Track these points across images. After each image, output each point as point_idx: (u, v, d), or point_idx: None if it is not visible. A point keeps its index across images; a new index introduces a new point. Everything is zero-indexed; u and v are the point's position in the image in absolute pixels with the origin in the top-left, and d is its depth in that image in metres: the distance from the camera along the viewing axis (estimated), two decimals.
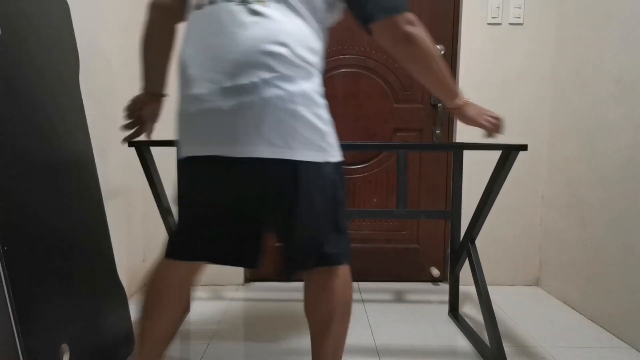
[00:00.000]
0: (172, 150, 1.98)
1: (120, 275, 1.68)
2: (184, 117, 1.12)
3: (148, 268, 2.40)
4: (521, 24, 2.33)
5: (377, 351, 1.72)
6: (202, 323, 1.96)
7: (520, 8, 2.31)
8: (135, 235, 2.31)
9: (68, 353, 1.26)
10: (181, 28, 1.24)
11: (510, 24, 2.33)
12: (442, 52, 2.37)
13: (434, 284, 2.50)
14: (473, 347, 1.76)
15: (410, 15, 1.13)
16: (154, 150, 2.22)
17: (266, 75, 1.01)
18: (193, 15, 1.13)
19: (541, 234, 2.37)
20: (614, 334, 1.88)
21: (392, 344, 1.78)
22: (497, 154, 2.32)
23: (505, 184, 2.34)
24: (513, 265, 2.39)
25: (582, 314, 2.11)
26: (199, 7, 1.11)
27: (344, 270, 1.21)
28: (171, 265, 1.22)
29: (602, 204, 1.98)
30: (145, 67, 1.32)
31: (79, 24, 1.66)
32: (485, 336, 1.78)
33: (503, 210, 2.37)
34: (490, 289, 2.01)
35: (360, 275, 2.53)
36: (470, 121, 1.31)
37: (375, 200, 2.49)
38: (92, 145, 1.62)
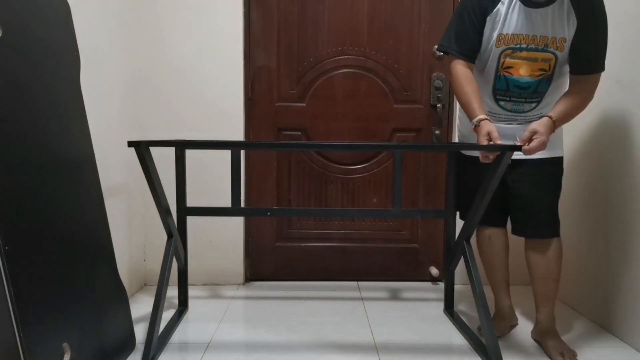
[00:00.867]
0: (171, 151, 1.99)
1: (121, 275, 1.68)
2: None
3: (148, 268, 2.41)
4: None
5: (376, 349, 1.73)
6: (203, 322, 1.96)
7: None
8: (136, 234, 2.31)
9: (69, 352, 1.27)
10: None
11: None
12: (441, 54, 2.37)
13: (433, 284, 2.50)
14: (469, 344, 1.77)
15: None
16: (153, 150, 2.23)
17: None
18: None
19: None
20: (614, 334, 1.89)
21: (391, 342, 1.78)
22: None
23: None
24: (511, 264, 2.39)
25: (581, 314, 2.11)
26: None
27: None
28: None
29: (600, 204, 1.98)
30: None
31: (80, 25, 1.67)
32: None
33: None
34: (487, 288, 2.02)
35: (359, 274, 2.54)
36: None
37: (375, 200, 2.50)
38: (93, 145, 1.63)
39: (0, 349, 1.12)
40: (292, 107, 2.44)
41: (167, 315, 1.98)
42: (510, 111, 1.68)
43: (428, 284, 2.50)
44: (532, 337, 1.81)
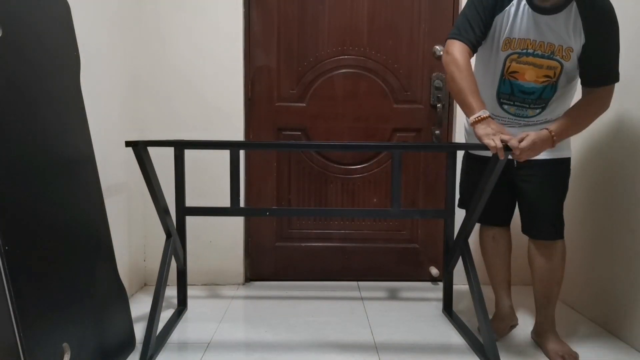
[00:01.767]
0: (170, 151, 1.99)
1: (121, 275, 1.69)
2: None
3: (148, 267, 2.41)
4: None
5: (376, 349, 1.73)
6: (203, 322, 1.96)
7: None
8: (136, 234, 2.31)
9: (69, 352, 1.27)
10: None
11: None
12: (442, 53, 2.37)
13: (433, 284, 2.51)
14: (467, 344, 1.77)
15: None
16: (153, 150, 2.23)
17: None
18: None
19: None
20: (614, 334, 1.89)
21: (391, 342, 1.78)
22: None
23: None
24: (512, 264, 2.39)
25: (581, 314, 2.11)
26: None
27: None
28: None
29: (600, 204, 1.98)
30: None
31: (80, 25, 1.67)
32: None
33: None
34: (487, 288, 2.02)
35: (359, 274, 2.54)
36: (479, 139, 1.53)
37: (375, 200, 2.50)
38: (93, 145, 1.63)
39: (0, 349, 1.12)
40: (292, 107, 2.44)
41: (166, 315, 1.98)
42: (513, 115, 1.67)
43: (428, 284, 2.50)
44: (531, 337, 1.81)
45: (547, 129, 1.52)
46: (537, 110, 1.63)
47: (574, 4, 1.50)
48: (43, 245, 1.26)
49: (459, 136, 2.37)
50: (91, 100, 1.78)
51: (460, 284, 2.29)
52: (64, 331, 1.28)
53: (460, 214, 1.93)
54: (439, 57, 2.38)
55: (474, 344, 1.74)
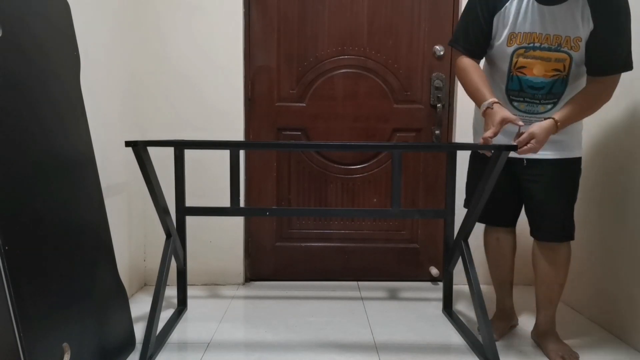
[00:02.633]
0: (170, 150, 1.99)
1: (121, 275, 1.69)
2: None
3: (148, 267, 2.41)
4: None
5: (376, 349, 1.73)
6: (203, 322, 1.96)
7: None
8: (136, 234, 2.31)
9: (69, 352, 1.27)
10: None
11: None
12: (442, 53, 2.38)
13: (433, 284, 2.51)
14: (467, 344, 1.77)
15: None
16: (153, 150, 2.23)
17: None
18: None
19: None
20: (614, 334, 1.89)
21: (391, 342, 1.78)
22: None
23: None
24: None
25: (582, 314, 2.11)
26: None
27: None
28: None
29: (600, 204, 1.98)
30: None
31: (80, 25, 1.67)
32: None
33: None
34: (487, 288, 2.02)
35: (359, 274, 2.54)
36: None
37: (375, 200, 2.50)
38: (93, 145, 1.63)
39: (0, 349, 1.12)
40: (292, 107, 2.44)
41: (166, 315, 1.98)
42: (524, 112, 1.63)
43: (428, 284, 2.50)
44: (532, 337, 1.81)
45: (552, 117, 1.51)
46: (549, 106, 1.60)
47: None
48: (43, 245, 1.26)
49: (459, 136, 2.37)
50: (91, 100, 1.78)
51: (460, 284, 2.30)
52: (64, 331, 1.28)
53: (460, 214, 1.94)
54: (439, 57, 2.39)
55: (474, 344, 1.74)
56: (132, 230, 2.26)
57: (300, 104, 2.44)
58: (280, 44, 2.40)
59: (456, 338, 1.84)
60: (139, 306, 2.11)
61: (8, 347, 1.10)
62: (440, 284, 2.48)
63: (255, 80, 2.42)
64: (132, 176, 2.21)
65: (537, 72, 1.56)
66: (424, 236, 2.53)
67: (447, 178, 1.97)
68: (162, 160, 2.24)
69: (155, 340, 1.68)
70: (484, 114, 1.56)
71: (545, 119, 1.54)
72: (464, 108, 2.27)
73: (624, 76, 1.56)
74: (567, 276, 1.70)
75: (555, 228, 1.65)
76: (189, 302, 2.15)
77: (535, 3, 1.51)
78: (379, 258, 2.53)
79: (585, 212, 2.07)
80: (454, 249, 1.90)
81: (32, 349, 1.13)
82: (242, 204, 2.40)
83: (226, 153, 2.30)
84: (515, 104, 1.64)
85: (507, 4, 1.55)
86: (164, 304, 2.10)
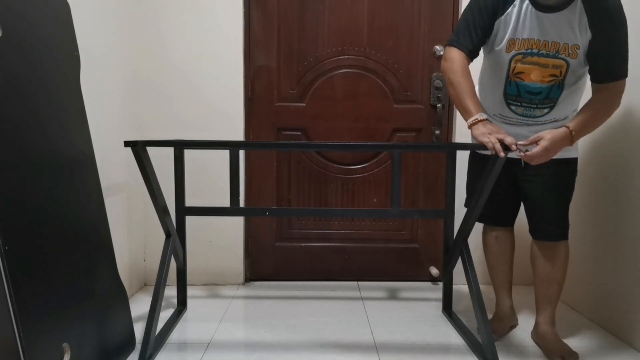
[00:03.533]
0: (170, 150, 1.99)
1: (121, 275, 1.68)
2: None
3: (148, 267, 2.41)
4: None
5: (376, 349, 1.73)
6: (203, 322, 1.96)
7: None
8: (136, 234, 2.31)
9: (69, 352, 1.27)
10: None
11: None
12: (442, 53, 2.37)
13: (433, 284, 2.51)
14: (466, 344, 1.77)
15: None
16: (153, 150, 2.23)
17: None
18: None
19: None
20: (614, 334, 1.89)
21: (391, 342, 1.78)
22: None
23: None
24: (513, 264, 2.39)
25: (581, 314, 2.11)
26: None
27: None
28: None
29: (600, 205, 1.98)
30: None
31: (80, 25, 1.67)
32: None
33: None
34: (487, 288, 2.02)
35: (359, 274, 2.54)
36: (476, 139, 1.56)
37: (375, 200, 2.50)
38: (93, 145, 1.63)
39: (0, 349, 1.12)
40: (292, 107, 2.44)
41: (166, 314, 1.98)
42: (521, 115, 1.65)
43: (428, 284, 2.50)
44: (531, 337, 1.81)
45: (566, 126, 1.51)
46: (545, 110, 1.62)
47: (579, 1, 1.48)
48: (43, 245, 1.26)
49: (459, 136, 2.37)
50: (91, 100, 1.78)
51: (460, 284, 2.30)
52: (64, 331, 1.28)
53: (460, 214, 1.94)
54: (439, 57, 2.38)
55: (474, 344, 1.74)
56: (132, 230, 2.26)
57: (300, 104, 2.44)
58: (280, 44, 2.40)
59: (456, 338, 1.84)
60: (139, 306, 2.11)
61: (8, 347, 1.10)
62: (440, 284, 2.48)
63: (255, 80, 2.42)
64: (132, 176, 2.21)
65: (534, 77, 1.58)
66: (424, 236, 2.53)
67: (447, 178, 1.97)
68: (162, 160, 2.24)
69: (155, 340, 1.68)
70: (471, 128, 1.57)
71: (552, 121, 1.55)
72: None
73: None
74: (565, 275, 1.70)
75: (551, 227, 1.67)
76: (189, 302, 2.15)
77: (534, 10, 1.53)
78: (379, 258, 2.53)
79: (585, 211, 2.07)
80: (454, 249, 1.90)
81: (32, 349, 1.13)
82: (242, 204, 2.40)
83: (226, 153, 2.30)
84: (513, 107, 1.66)
85: (509, 9, 1.56)
86: (163, 304, 2.10)
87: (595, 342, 1.82)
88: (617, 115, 1.87)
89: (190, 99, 2.34)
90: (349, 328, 1.92)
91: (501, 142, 1.46)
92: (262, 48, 2.40)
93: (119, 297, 1.63)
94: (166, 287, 1.90)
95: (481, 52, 1.70)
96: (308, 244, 2.52)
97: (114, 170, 2.06)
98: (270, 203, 2.48)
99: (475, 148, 1.69)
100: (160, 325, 1.82)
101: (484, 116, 1.55)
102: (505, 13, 1.56)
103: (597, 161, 2.00)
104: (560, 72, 1.55)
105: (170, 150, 2.26)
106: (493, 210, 1.78)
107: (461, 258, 1.79)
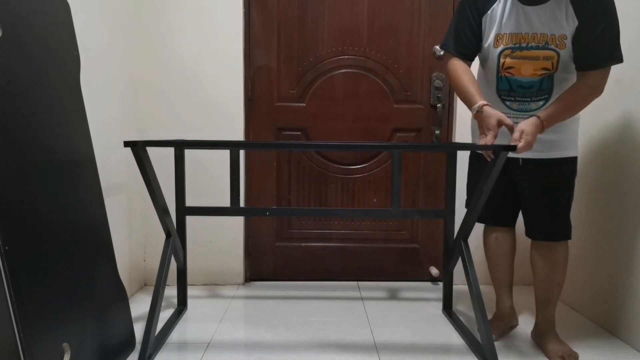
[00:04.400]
0: (171, 150, 1.99)
1: (121, 275, 1.69)
2: None
3: (148, 267, 2.41)
4: None
5: (376, 349, 1.73)
6: (203, 322, 1.96)
7: None
8: (136, 234, 2.31)
9: (69, 352, 1.27)
10: None
11: None
12: (442, 53, 2.37)
13: (433, 284, 2.51)
14: (466, 344, 1.77)
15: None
16: (153, 150, 2.23)
17: None
18: None
19: None
20: (614, 334, 1.89)
21: (391, 342, 1.78)
22: None
23: None
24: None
25: (582, 314, 2.11)
26: None
27: None
28: None
29: (600, 205, 1.98)
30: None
31: (80, 25, 1.67)
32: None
33: None
34: (487, 288, 2.02)
35: (359, 274, 2.54)
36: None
37: (375, 200, 2.50)
38: (93, 145, 1.63)
39: (0, 349, 1.12)
40: (292, 107, 2.44)
41: (166, 314, 1.98)
42: (517, 110, 1.65)
43: (428, 284, 2.50)
44: (531, 337, 1.81)
45: (536, 115, 1.52)
46: (540, 103, 1.61)
47: None
48: (43, 245, 1.26)
49: (459, 136, 2.37)
50: (91, 100, 1.78)
51: (460, 284, 2.30)
52: (64, 331, 1.28)
53: (460, 214, 1.94)
54: (439, 57, 2.39)
55: (473, 344, 1.74)
56: (132, 230, 2.26)
57: (300, 104, 2.44)
58: (280, 44, 2.40)
59: (456, 338, 1.84)
60: (139, 306, 2.11)
61: (8, 347, 1.10)
62: (440, 284, 2.48)
63: (255, 80, 2.42)
64: (132, 176, 2.21)
65: (525, 72, 1.58)
66: (424, 236, 2.53)
67: (447, 178, 1.97)
68: (162, 160, 2.24)
69: (155, 340, 1.68)
70: (476, 117, 1.59)
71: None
72: (464, 108, 2.26)
73: (623, 75, 1.56)
74: (565, 276, 1.70)
75: (551, 227, 1.66)
76: (189, 302, 2.16)
77: (519, 3, 1.54)
78: (379, 258, 2.53)
79: (584, 211, 2.07)
80: (454, 249, 1.90)
81: (32, 349, 1.13)
82: (242, 204, 2.40)
83: (226, 153, 2.30)
84: (508, 103, 1.66)
85: (495, 5, 1.57)
86: (164, 303, 2.10)
87: (595, 342, 1.82)
88: (617, 114, 1.87)
89: (191, 99, 2.34)
90: (349, 328, 1.92)
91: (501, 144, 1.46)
92: (262, 48, 2.40)
93: (119, 297, 1.63)
94: (166, 287, 1.90)
95: None
96: (308, 244, 2.52)
97: (114, 170, 2.06)
98: (270, 203, 2.48)
99: (475, 148, 1.69)
100: (160, 325, 1.82)
101: (482, 103, 1.55)
102: (491, 9, 1.58)
103: (596, 161, 2.00)
104: (552, 64, 1.56)
105: (170, 150, 2.26)
106: (493, 210, 1.78)
107: (461, 258, 1.79)
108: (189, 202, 2.02)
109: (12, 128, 1.20)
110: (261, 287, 2.42)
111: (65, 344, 1.27)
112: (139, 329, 1.82)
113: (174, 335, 1.84)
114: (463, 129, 2.32)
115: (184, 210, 1.97)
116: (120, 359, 1.58)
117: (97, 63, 1.90)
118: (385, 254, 2.53)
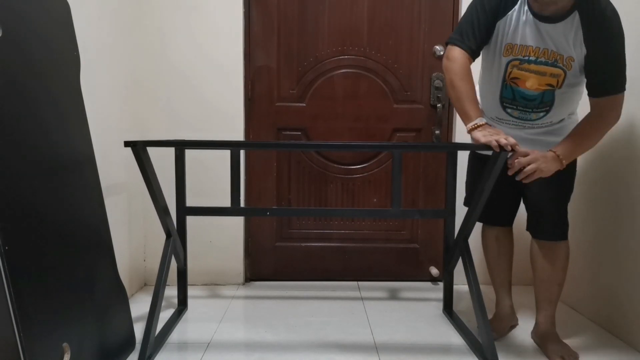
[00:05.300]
0: (171, 150, 1.99)
1: (121, 275, 1.68)
2: None
3: (148, 267, 2.41)
4: None
5: (376, 349, 1.73)
6: (203, 322, 1.96)
7: None
8: (136, 234, 2.31)
9: (69, 352, 1.27)
10: None
11: None
12: (442, 53, 2.37)
13: (433, 284, 2.51)
14: (466, 344, 1.77)
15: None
16: (153, 150, 2.23)
17: None
18: None
19: None
20: (614, 334, 1.89)
21: (391, 342, 1.78)
22: None
23: None
24: (513, 264, 2.39)
25: (581, 314, 2.11)
26: None
27: None
28: None
29: (600, 205, 1.98)
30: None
31: (80, 25, 1.67)
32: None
33: None
34: (487, 288, 2.02)
35: (359, 274, 2.54)
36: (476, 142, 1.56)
37: (375, 200, 2.50)
38: (93, 145, 1.63)
39: (0, 349, 1.12)
40: (292, 107, 2.44)
41: (167, 314, 1.98)
42: (517, 118, 1.66)
43: (428, 284, 2.50)
44: (531, 337, 1.81)
45: (553, 150, 1.51)
46: (541, 114, 1.62)
47: (577, 15, 1.48)
48: (43, 245, 1.26)
49: (459, 136, 2.37)
50: (91, 100, 1.78)
51: (461, 284, 2.29)
52: (64, 331, 1.28)
53: (460, 214, 1.94)
54: (439, 57, 2.38)
55: (474, 344, 1.74)
56: (132, 230, 2.26)
57: (300, 104, 2.44)
58: (280, 44, 2.40)
59: (456, 338, 1.84)
60: (139, 306, 2.11)
61: (8, 347, 1.10)
62: (440, 284, 2.48)
63: (255, 80, 2.42)
64: (132, 176, 2.21)
65: (530, 85, 1.58)
66: (424, 236, 2.53)
67: (447, 178, 1.97)
68: (163, 160, 2.24)
69: (155, 340, 1.68)
70: (472, 133, 1.56)
71: (548, 125, 1.57)
72: None
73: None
74: (565, 275, 1.70)
75: (550, 227, 1.67)
76: (189, 302, 2.15)
77: (533, 18, 1.52)
78: (378, 258, 2.53)
79: (585, 211, 2.07)
80: (454, 248, 1.90)
81: (32, 349, 1.13)
82: (242, 204, 2.40)
83: (226, 153, 2.30)
84: (509, 110, 1.66)
85: (509, 12, 1.56)
86: (164, 304, 2.10)
87: (595, 342, 1.82)
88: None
89: (191, 99, 2.34)
90: (349, 328, 1.92)
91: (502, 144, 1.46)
92: (262, 48, 2.40)
93: (119, 297, 1.63)
94: (166, 287, 1.90)
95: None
96: (308, 244, 2.52)
97: (114, 170, 2.06)
98: (270, 203, 2.48)
99: (475, 148, 1.69)
100: (160, 325, 1.82)
101: (483, 121, 1.55)
102: (506, 15, 1.56)
103: (596, 161, 2.00)
104: (557, 81, 1.55)
105: (170, 150, 2.26)
106: (491, 209, 1.78)
107: (461, 258, 1.79)
108: (189, 202, 2.02)
109: (11, 128, 1.20)
110: (261, 287, 2.42)
111: (65, 344, 1.27)
112: (139, 329, 1.82)
113: (174, 335, 1.84)
114: (463, 129, 2.30)
115: (184, 210, 1.97)
116: (120, 359, 1.58)
117: (97, 63, 1.90)
118: (386, 254, 2.53)
